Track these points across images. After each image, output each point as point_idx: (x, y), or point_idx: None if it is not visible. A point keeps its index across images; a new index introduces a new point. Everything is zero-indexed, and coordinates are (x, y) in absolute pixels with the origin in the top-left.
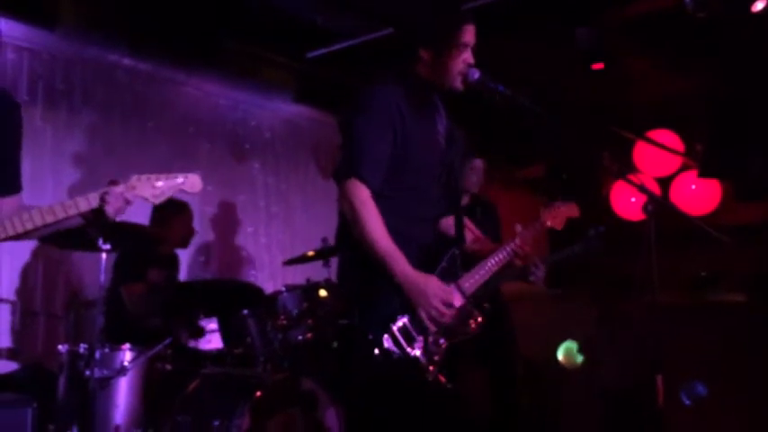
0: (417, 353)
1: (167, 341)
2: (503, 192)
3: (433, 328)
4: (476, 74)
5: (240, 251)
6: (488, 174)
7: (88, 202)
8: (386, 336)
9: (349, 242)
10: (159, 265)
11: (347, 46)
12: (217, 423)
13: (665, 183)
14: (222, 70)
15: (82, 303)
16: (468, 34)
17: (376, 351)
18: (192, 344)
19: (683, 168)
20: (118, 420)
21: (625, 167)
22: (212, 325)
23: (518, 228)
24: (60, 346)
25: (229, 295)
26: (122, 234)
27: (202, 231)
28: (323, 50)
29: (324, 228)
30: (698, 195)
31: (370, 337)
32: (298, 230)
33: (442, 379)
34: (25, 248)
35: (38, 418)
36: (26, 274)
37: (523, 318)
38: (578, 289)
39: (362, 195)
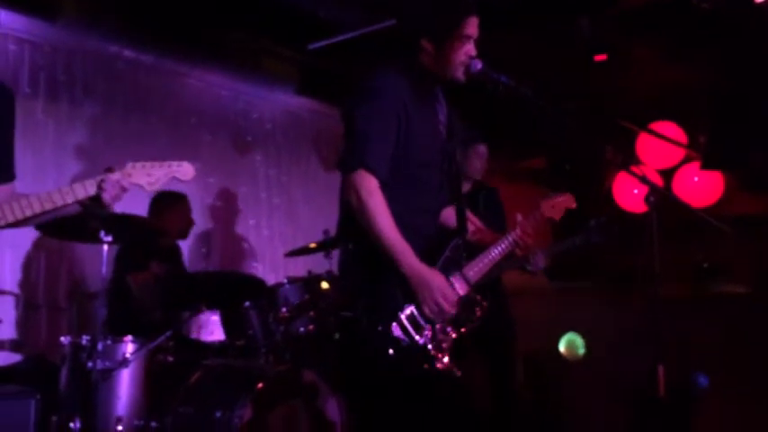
0: (426, 341)
1: (169, 333)
2: (505, 183)
3: (438, 320)
4: (478, 65)
5: (242, 243)
6: (490, 164)
7: (85, 189)
8: (394, 324)
9: (352, 234)
10: (160, 257)
11: (349, 37)
12: (219, 414)
13: (667, 174)
14: (224, 62)
15: (84, 295)
16: (471, 26)
17: (385, 340)
18: (193, 335)
19: (686, 160)
20: (120, 412)
21: (628, 159)
22: (214, 317)
23: (518, 218)
24: (63, 338)
25: (231, 287)
26: (124, 226)
27: (204, 223)
28: (325, 42)
29: (326, 220)
30: (700, 187)
31: (380, 327)
32: (299, 222)
33: (452, 367)
34: (27, 241)
35: (41, 410)
36: (28, 266)
37: (525, 311)
38: (581, 282)
39: (370, 185)
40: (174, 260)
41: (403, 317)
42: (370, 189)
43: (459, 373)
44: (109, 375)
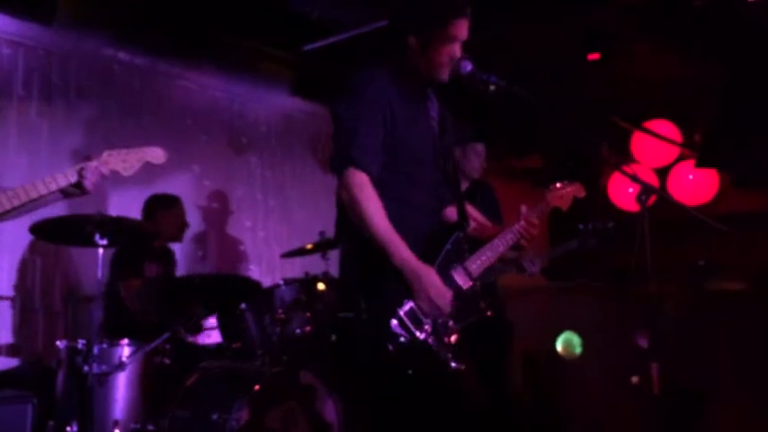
0: (426, 336)
1: (165, 336)
2: (499, 182)
3: (434, 314)
4: (468, 66)
5: (238, 245)
6: (486, 162)
7: (67, 177)
8: (393, 321)
9: (349, 233)
10: (154, 259)
11: (344, 38)
12: (215, 417)
13: (662, 173)
14: (219, 64)
15: (80, 299)
16: (459, 28)
17: (385, 336)
18: (190, 338)
19: (681, 158)
20: (117, 415)
21: (622, 158)
22: (211, 319)
23: (523, 209)
24: (59, 342)
25: (227, 289)
26: (118, 229)
27: (200, 225)
28: (319, 43)
29: (322, 221)
30: (695, 185)
31: (379, 324)
32: (295, 224)
33: (455, 361)
34: (23, 245)
35: (38, 414)
36: (24, 270)
37: (522, 311)
38: (577, 280)
39: (361, 181)
40: (167, 263)
41: (402, 313)
42: (361, 184)
43: (463, 368)
44: (105, 379)
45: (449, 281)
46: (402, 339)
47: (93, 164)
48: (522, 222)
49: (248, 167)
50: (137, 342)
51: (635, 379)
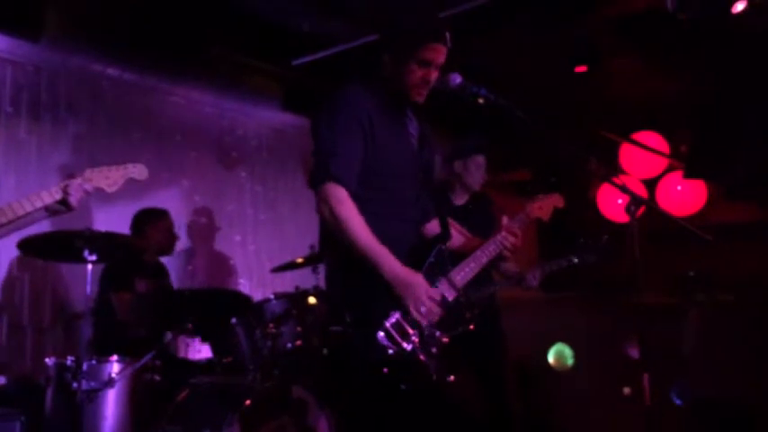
0: (413, 347)
1: (154, 352)
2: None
3: (423, 321)
4: (457, 79)
5: (228, 260)
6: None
7: (52, 195)
8: (380, 333)
9: (333, 247)
10: (145, 274)
11: (333, 53)
12: None
13: (651, 184)
14: (208, 79)
15: (69, 315)
16: (432, 53)
17: (372, 349)
18: (180, 354)
19: (669, 169)
20: None
21: (611, 170)
22: (200, 334)
23: (504, 220)
24: (47, 359)
25: (217, 304)
26: (108, 245)
27: (190, 240)
28: (309, 57)
29: (312, 235)
30: (684, 196)
31: (367, 335)
32: (286, 238)
33: (442, 372)
34: (11, 262)
35: None
36: (12, 287)
37: (514, 322)
38: (567, 292)
39: (339, 195)
40: (160, 277)
41: (388, 325)
42: (340, 198)
43: (451, 379)
44: (95, 396)
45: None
46: (390, 351)
47: (77, 181)
48: (504, 233)
49: (238, 182)
50: (126, 358)
51: (627, 390)
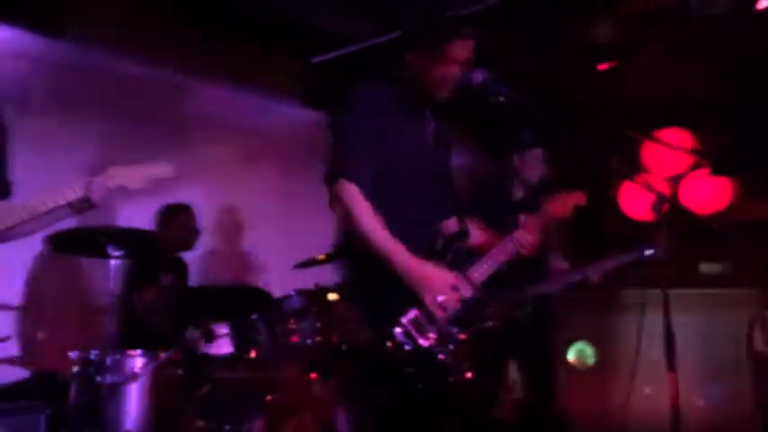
0: (429, 344)
1: (178, 347)
2: None
3: (440, 314)
4: (480, 76)
5: (249, 256)
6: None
7: (74, 191)
8: (397, 330)
9: (348, 244)
10: (168, 270)
11: (355, 50)
12: (228, 428)
13: (675, 182)
14: (230, 76)
15: (93, 310)
16: (458, 50)
17: (388, 345)
18: (202, 349)
19: (694, 167)
20: (129, 426)
21: (634, 168)
22: (223, 330)
23: (522, 218)
24: (71, 353)
25: (239, 300)
26: (131, 241)
27: (211, 237)
28: (330, 54)
29: (333, 231)
30: (708, 194)
31: (382, 332)
32: (307, 234)
33: (460, 369)
34: (36, 257)
35: (51, 425)
36: (38, 282)
37: None
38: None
39: (353, 193)
40: (180, 274)
41: (405, 321)
42: (353, 196)
43: (468, 375)
44: (118, 390)
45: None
46: (406, 348)
47: (100, 178)
48: (521, 231)
49: (260, 178)
50: (149, 353)
51: (648, 390)
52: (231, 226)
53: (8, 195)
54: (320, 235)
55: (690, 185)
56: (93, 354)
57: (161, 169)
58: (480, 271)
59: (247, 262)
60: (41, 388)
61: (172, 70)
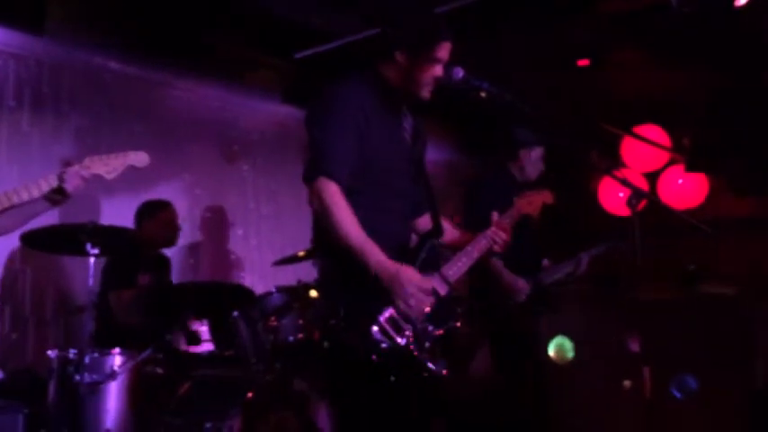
0: (406, 342)
1: (157, 345)
2: None
3: (413, 314)
4: (460, 72)
5: (230, 253)
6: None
7: (48, 182)
8: (374, 328)
9: (327, 241)
10: (147, 267)
11: (335, 46)
12: (209, 425)
13: (652, 177)
14: (210, 72)
15: (71, 308)
16: (443, 51)
17: (366, 344)
18: (182, 347)
19: (671, 163)
20: (108, 425)
21: (613, 163)
22: (203, 327)
23: (494, 216)
24: (50, 352)
25: (219, 297)
26: (110, 238)
27: (192, 234)
28: (311, 51)
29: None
30: (685, 189)
31: (360, 332)
32: (288, 231)
33: (436, 366)
34: (13, 254)
35: (29, 424)
36: (15, 280)
37: None
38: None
39: (330, 190)
40: (162, 270)
41: (382, 319)
42: (332, 193)
43: (444, 372)
44: (97, 388)
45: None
46: (383, 345)
47: (75, 168)
48: (494, 228)
49: (240, 175)
50: (128, 351)
51: (627, 383)
52: (212, 222)
53: None
54: (301, 231)
55: (667, 181)
56: (72, 353)
57: (137, 158)
58: (455, 268)
59: (228, 259)
60: (19, 387)
61: (151, 67)
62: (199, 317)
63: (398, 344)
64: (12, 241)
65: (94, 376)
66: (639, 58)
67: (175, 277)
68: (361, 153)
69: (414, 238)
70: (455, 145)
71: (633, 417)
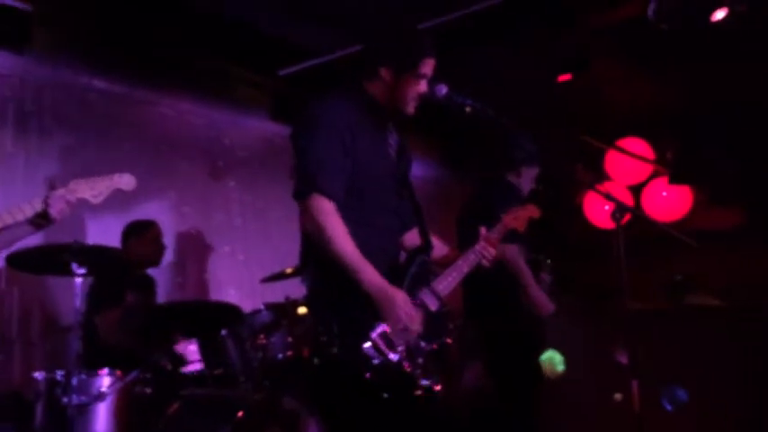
0: (399, 358)
1: (145, 365)
2: None
3: (401, 340)
4: (443, 89)
5: (217, 271)
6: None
7: (32, 206)
8: (366, 344)
9: (316, 260)
10: (133, 288)
11: (321, 62)
12: None
13: (636, 190)
14: (195, 89)
15: (58, 329)
16: (428, 67)
17: (358, 360)
18: (170, 366)
19: (654, 175)
20: None
21: (597, 177)
22: (191, 347)
23: (482, 231)
24: (37, 374)
25: (207, 315)
26: (96, 257)
27: (179, 252)
28: (296, 67)
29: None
30: (669, 202)
31: (353, 346)
32: (276, 248)
33: (429, 381)
34: (0, 276)
35: None
36: (1, 301)
37: None
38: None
39: (326, 208)
40: (148, 290)
41: (374, 336)
42: (327, 211)
43: (437, 388)
44: (85, 410)
45: (417, 303)
46: (376, 362)
47: (60, 192)
48: (483, 243)
49: (227, 192)
50: (116, 372)
51: (618, 396)
52: (199, 240)
53: None
54: (288, 248)
55: (651, 194)
56: (59, 374)
57: (123, 181)
58: (445, 283)
59: (215, 277)
60: (6, 410)
61: (136, 85)
62: (187, 336)
63: (391, 360)
64: None
65: (82, 398)
66: (622, 72)
67: (163, 296)
68: (349, 169)
69: (403, 254)
70: (440, 160)
71: (623, 429)
